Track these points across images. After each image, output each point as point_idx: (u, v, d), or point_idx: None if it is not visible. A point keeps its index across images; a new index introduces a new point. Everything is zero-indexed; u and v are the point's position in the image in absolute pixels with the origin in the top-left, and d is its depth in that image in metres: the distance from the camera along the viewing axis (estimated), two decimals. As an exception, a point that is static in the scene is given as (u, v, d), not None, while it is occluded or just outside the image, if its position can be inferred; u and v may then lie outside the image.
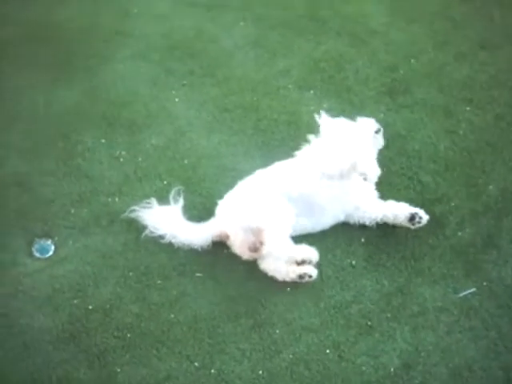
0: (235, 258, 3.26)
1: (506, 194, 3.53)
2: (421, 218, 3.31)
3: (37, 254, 3.29)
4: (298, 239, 3.24)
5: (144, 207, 3.29)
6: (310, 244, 3.24)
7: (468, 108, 4.01)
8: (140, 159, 3.68)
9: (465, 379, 2.84)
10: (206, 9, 4.75)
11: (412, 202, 3.50)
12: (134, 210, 3.31)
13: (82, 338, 2.99)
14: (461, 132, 3.86)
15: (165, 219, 3.23)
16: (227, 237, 3.21)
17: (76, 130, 3.83)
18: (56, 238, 3.34)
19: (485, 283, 3.16)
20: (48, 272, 3.21)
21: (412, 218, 3.31)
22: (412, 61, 4.32)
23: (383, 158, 3.70)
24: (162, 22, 4.62)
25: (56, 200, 3.50)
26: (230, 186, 3.38)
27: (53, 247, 3.31)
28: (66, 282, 3.18)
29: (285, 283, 3.16)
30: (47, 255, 3.29)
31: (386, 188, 3.56)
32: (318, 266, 3.23)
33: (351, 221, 3.39)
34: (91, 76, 4.15)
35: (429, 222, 3.38)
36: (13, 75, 4.14)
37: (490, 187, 3.55)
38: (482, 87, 4.14)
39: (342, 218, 3.38)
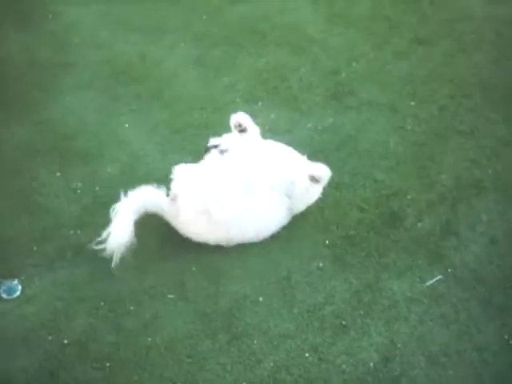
0: (204, 275, 3.27)
1: (459, 181, 3.66)
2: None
3: (4, 296, 3.24)
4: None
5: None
6: (277, 249, 3.35)
7: (412, 103, 4.14)
8: (97, 188, 3.67)
9: (442, 364, 2.91)
10: (146, 33, 4.80)
11: (369, 200, 3.59)
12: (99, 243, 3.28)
13: (61, 373, 2.96)
14: (408, 127, 3.99)
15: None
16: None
17: (30, 165, 3.81)
18: (22, 277, 3.30)
19: (449, 270, 3.26)
20: (18, 312, 3.17)
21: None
22: (353, 64, 4.44)
23: (336, 159, 3.78)
24: (103, 49, 4.64)
25: (18, 238, 3.46)
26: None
27: (20, 287, 3.27)
28: (38, 319, 3.14)
29: (257, 293, 3.18)
30: (15, 295, 3.24)
31: (345, 188, 3.62)
32: (287, 271, 3.27)
33: None
34: (40, 110, 4.14)
35: (388, 217, 3.46)
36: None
37: (443, 176, 3.68)
38: (423, 82, 4.29)
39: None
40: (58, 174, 3.76)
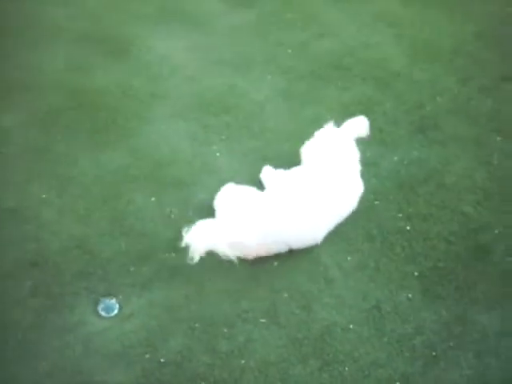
0: (295, 301, 3.36)
1: (548, 216, 3.65)
2: None
3: (103, 313, 3.39)
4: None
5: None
6: (366, 278, 3.46)
7: (498, 138, 4.17)
8: (190, 214, 3.81)
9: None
10: (233, 66, 4.97)
11: (457, 233, 3.62)
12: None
13: (158, 390, 3.07)
14: (495, 162, 4.01)
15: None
16: None
17: (126, 190, 3.98)
18: (120, 296, 3.45)
19: (541, 305, 3.25)
20: (116, 329, 3.31)
21: None
22: (437, 98, 4.50)
23: (424, 192, 3.84)
24: (193, 81, 4.83)
25: (115, 259, 3.62)
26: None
27: (117, 305, 3.42)
28: (135, 337, 3.27)
29: (348, 320, 3.24)
30: (113, 313, 3.39)
31: (432, 220, 3.67)
32: (376, 301, 3.32)
33: None
34: (136, 137, 4.33)
35: (476, 250, 3.49)
36: (63, 141, 4.32)
37: (531, 211, 3.68)
38: (508, 118, 4.30)
39: None
40: (153, 198, 3.93)
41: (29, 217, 3.90)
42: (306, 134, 4.16)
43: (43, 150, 4.32)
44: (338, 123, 4.26)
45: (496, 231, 3.64)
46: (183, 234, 3.33)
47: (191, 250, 3.30)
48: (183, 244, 3.31)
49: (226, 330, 3.27)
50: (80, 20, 5.58)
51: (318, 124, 4.12)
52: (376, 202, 3.83)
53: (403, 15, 5.38)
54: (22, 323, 3.36)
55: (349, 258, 3.55)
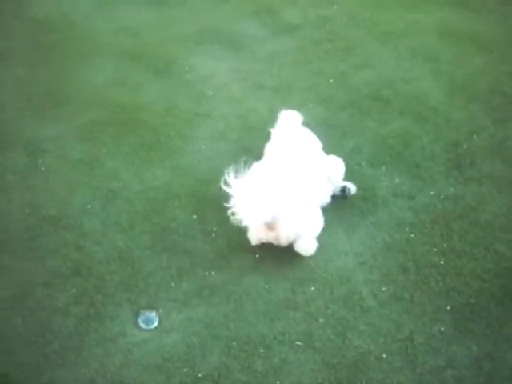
0: (331, 327, 3.45)
1: None
2: (349, 189, 4.04)
3: (143, 325, 3.50)
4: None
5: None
6: (400, 309, 3.52)
7: (533, 179, 4.24)
8: (231, 233, 3.90)
9: None
10: (274, 91, 5.09)
11: (490, 271, 3.70)
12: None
13: (195, 405, 3.16)
14: (530, 203, 4.08)
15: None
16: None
17: (169, 206, 4.10)
18: (160, 310, 3.55)
19: None
20: (156, 342, 3.41)
21: (343, 190, 4.01)
22: (474, 136, 4.59)
23: (458, 228, 3.92)
24: (235, 103, 4.95)
25: (156, 273, 3.72)
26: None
27: (157, 318, 3.52)
28: (174, 351, 3.37)
29: (381, 349, 3.33)
30: (152, 326, 3.49)
31: (466, 257, 3.75)
32: (409, 332, 3.41)
33: None
34: (177, 155, 4.46)
35: (509, 289, 3.58)
36: (107, 155, 4.45)
37: None
38: (544, 159, 4.38)
39: None
40: (195, 216, 4.04)
41: (71, 225, 4.03)
42: (346, 164, 4.24)
43: (87, 162, 4.46)
44: (376, 155, 4.39)
45: (529, 271, 3.71)
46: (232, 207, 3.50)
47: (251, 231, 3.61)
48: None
49: (262, 351, 3.35)
50: (124, 36, 5.75)
51: (358, 155, 4.23)
52: (411, 235, 3.91)
53: (440, 51, 5.48)
54: (63, 330, 3.47)
55: (384, 289, 3.63)
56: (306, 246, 3.75)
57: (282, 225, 3.58)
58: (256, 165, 3.70)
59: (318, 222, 3.80)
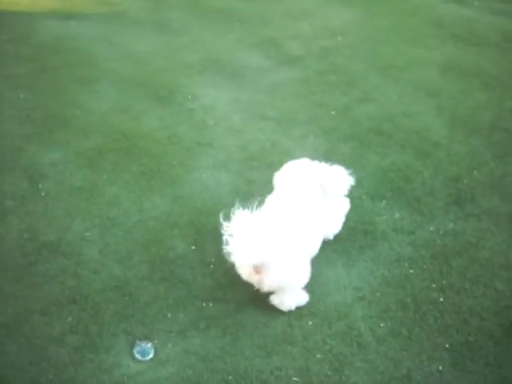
0: (328, 363, 3.42)
1: None
2: None
3: (138, 356, 3.45)
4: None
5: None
6: (398, 346, 3.48)
7: (533, 217, 4.24)
8: (229, 265, 3.87)
9: None
10: (276, 122, 5.12)
11: (489, 308, 3.68)
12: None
13: None
14: (529, 241, 4.07)
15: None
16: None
17: (168, 236, 4.08)
18: (156, 341, 3.51)
19: None
20: (151, 374, 3.37)
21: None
22: (475, 172, 4.60)
23: (457, 265, 3.91)
24: (236, 134, 4.97)
25: (153, 303, 3.70)
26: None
27: (153, 350, 3.48)
28: (169, 384, 3.33)
29: (378, 387, 3.31)
30: (148, 357, 3.45)
31: (465, 295, 3.73)
32: (407, 370, 3.37)
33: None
34: (178, 184, 4.46)
35: (508, 328, 3.55)
36: (107, 182, 4.46)
37: None
38: (544, 197, 4.39)
39: None
40: (193, 247, 4.02)
41: (69, 252, 4.00)
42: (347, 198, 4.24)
43: (87, 188, 4.46)
44: (376, 188, 4.39)
45: (529, 311, 3.68)
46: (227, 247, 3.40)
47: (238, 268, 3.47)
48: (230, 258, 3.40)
49: (258, 386, 3.32)
50: (126, 63, 5.80)
51: (359, 188, 4.22)
52: (411, 271, 3.90)
53: (442, 85, 5.53)
54: (58, 360, 3.43)
55: (382, 325, 3.61)
56: (283, 301, 3.65)
57: (269, 272, 3.52)
58: (265, 203, 3.69)
59: (304, 276, 3.66)
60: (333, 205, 3.92)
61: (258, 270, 3.49)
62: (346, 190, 3.90)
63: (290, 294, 3.64)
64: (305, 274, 3.66)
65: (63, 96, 5.39)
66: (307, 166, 3.90)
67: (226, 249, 3.39)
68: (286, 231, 3.52)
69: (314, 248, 3.76)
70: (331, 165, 3.89)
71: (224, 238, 3.42)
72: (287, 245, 3.49)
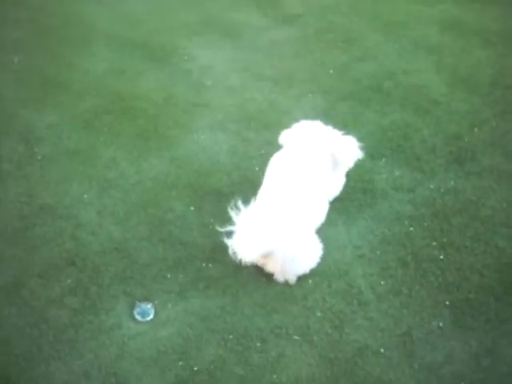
0: (328, 321, 3.42)
1: None
2: None
3: (138, 317, 3.45)
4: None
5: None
6: (399, 304, 3.49)
7: (534, 174, 4.19)
8: (229, 225, 3.84)
9: None
10: (274, 82, 5.04)
11: (490, 266, 3.66)
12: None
13: (191, 398, 3.13)
14: (531, 197, 4.04)
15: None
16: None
17: (166, 197, 4.05)
18: (156, 302, 3.51)
19: None
20: (151, 335, 3.37)
21: None
22: (475, 129, 4.54)
23: (458, 223, 3.88)
24: (234, 94, 4.90)
25: (153, 265, 3.68)
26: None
27: (153, 310, 3.48)
28: (170, 344, 3.33)
29: (379, 344, 3.30)
30: (148, 318, 3.45)
31: (466, 252, 3.71)
32: (408, 327, 3.37)
33: None
34: (176, 146, 4.42)
35: (509, 285, 3.54)
36: (104, 144, 4.42)
37: None
38: (545, 154, 4.34)
39: None
40: (192, 208, 3.99)
41: (66, 215, 3.98)
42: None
43: (84, 151, 4.42)
44: (376, 147, 4.34)
45: (529, 267, 3.67)
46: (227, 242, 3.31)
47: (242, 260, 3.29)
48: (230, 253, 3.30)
49: (259, 344, 3.32)
50: (121, 24, 5.70)
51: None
52: (411, 229, 3.87)
53: (442, 42, 5.43)
54: (58, 322, 3.43)
55: (382, 283, 3.60)
56: (288, 280, 3.61)
57: (275, 260, 3.49)
58: (258, 196, 3.57)
59: (313, 256, 3.62)
60: (338, 173, 3.84)
61: (264, 256, 3.45)
62: (354, 161, 3.81)
63: (293, 272, 3.60)
64: (313, 255, 3.61)
65: (58, 59, 5.31)
66: (320, 130, 3.77)
67: (231, 247, 3.29)
68: (290, 213, 3.42)
69: (321, 218, 3.70)
70: (343, 134, 3.79)
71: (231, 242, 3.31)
72: (292, 230, 3.40)
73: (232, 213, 3.30)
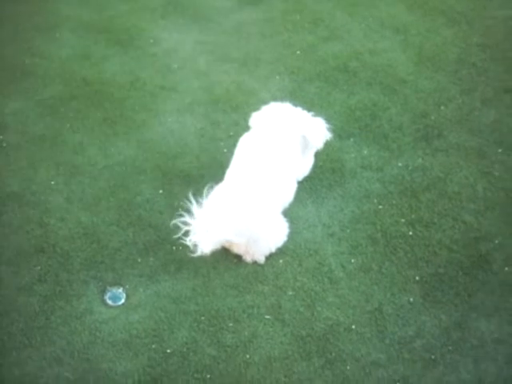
0: (299, 300, 3.44)
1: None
2: None
3: (110, 302, 3.45)
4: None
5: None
6: (369, 281, 3.54)
7: (500, 150, 4.26)
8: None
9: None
10: (241, 64, 5.02)
11: (458, 241, 3.72)
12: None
13: (164, 380, 3.14)
14: (496, 173, 4.10)
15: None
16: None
17: (134, 181, 4.03)
18: (127, 286, 3.50)
19: (537, 314, 3.35)
20: (123, 319, 3.36)
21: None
22: (442, 107, 4.58)
23: (426, 200, 3.92)
24: (201, 76, 4.87)
25: (122, 249, 3.67)
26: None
27: (124, 295, 3.47)
28: (142, 327, 3.33)
29: (350, 321, 3.33)
30: (119, 303, 3.44)
31: (434, 228, 3.75)
32: (378, 303, 3.40)
33: None
34: (143, 130, 4.38)
35: (477, 259, 3.59)
36: (70, 130, 4.38)
37: (531, 223, 3.78)
38: (510, 129, 4.39)
39: None
40: (161, 191, 3.98)
41: (34, 202, 3.95)
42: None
43: (50, 137, 4.38)
44: (344, 127, 4.35)
45: (496, 241, 3.73)
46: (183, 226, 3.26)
47: (200, 249, 3.24)
48: (188, 242, 3.25)
49: (231, 324, 3.33)
50: (84, 8, 5.62)
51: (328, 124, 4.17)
52: (380, 207, 3.90)
53: (409, 22, 5.44)
54: (28, 309, 3.41)
55: (353, 260, 3.63)
56: (257, 259, 3.63)
57: (238, 242, 3.47)
58: (217, 188, 3.48)
59: (279, 236, 3.64)
60: (308, 154, 3.85)
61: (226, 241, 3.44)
62: (323, 143, 3.81)
63: (260, 252, 3.61)
64: (279, 235, 3.63)
65: (22, 45, 5.21)
66: (290, 112, 3.75)
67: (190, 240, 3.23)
68: (253, 193, 3.41)
69: (289, 198, 3.71)
70: (312, 115, 3.79)
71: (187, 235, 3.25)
72: (253, 212, 3.39)
73: (188, 205, 3.25)
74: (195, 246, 3.21)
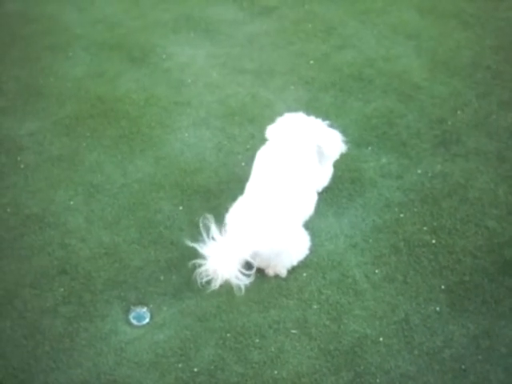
0: (325, 313, 3.41)
1: None
2: None
3: (134, 322, 3.43)
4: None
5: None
6: (394, 291, 3.50)
7: (520, 153, 4.20)
8: (218, 223, 3.81)
9: None
10: (255, 75, 5.01)
11: (482, 247, 3.67)
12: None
13: (192, 400, 3.11)
14: (517, 177, 4.05)
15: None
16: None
17: (153, 198, 4.02)
18: (151, 305, 3.48)
19: None
20: (148, 338, 3.34)
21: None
22: (458, 112, 4.55)
23: (448, 206, 3.88)
24: (216, 90, 4.86)
25: (145, 267, 3.65)
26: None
27: (149, 314, 3.45)
28: (168, 346, 3.31)
29: (377, 333, 3.29)
30: (144, 322, 3.43)
31: (457, 235, 3.71)
32: (405, 314, 3.37)
33: None
34: (160, 145, 4.38)
35: (502, 265, 3.55)
36: (87, 149, 4.37)
37: (556, 227, 3.73)
38: (529, 133, 4.35)
39: None
40: (181, 207, 3.96)
41: (54, 223, 3.94)
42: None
43: (67, 157, 4.37)
44: (361, 135, 4.33)
45: (521, 246, 3.68)
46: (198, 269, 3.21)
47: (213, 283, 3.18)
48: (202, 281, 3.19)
49: (257, 340, 3.31)
50: (97, 26, 5.63)
51: (343, 136, 4.15)
52: (401, 215, 3.87)
53: (421, 27, 5.43)
54: (53, 331, 3.40)
55: (377, 271, 3.60)
56: (279, 273, 3.61)
57: (260, 256, 3.41)
58: (245, 191, 3.50)
59: (301, 250, 3.60)
60: (326, 164, 3.82)
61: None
62: (338, 154, 3.80)
63: (282, 266, 3.59)
64: (300, 248, 3.59)
65: (36, 65, 5.23)
66: (304, 122, 3.73)
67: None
68: (273, 207, 3.38)
69: (309, 210, 3.67)
70: (327, 125, 3.78)
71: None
72: (273, 227, 3.34)
73: (203, 231, 3.19)
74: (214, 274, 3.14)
